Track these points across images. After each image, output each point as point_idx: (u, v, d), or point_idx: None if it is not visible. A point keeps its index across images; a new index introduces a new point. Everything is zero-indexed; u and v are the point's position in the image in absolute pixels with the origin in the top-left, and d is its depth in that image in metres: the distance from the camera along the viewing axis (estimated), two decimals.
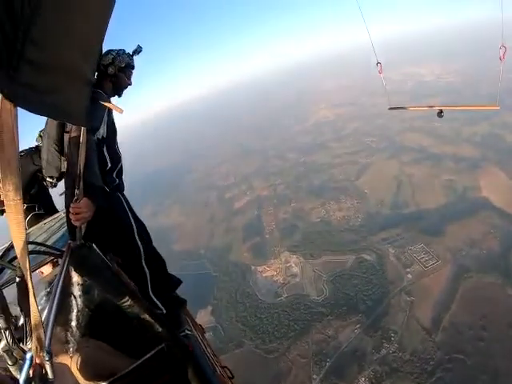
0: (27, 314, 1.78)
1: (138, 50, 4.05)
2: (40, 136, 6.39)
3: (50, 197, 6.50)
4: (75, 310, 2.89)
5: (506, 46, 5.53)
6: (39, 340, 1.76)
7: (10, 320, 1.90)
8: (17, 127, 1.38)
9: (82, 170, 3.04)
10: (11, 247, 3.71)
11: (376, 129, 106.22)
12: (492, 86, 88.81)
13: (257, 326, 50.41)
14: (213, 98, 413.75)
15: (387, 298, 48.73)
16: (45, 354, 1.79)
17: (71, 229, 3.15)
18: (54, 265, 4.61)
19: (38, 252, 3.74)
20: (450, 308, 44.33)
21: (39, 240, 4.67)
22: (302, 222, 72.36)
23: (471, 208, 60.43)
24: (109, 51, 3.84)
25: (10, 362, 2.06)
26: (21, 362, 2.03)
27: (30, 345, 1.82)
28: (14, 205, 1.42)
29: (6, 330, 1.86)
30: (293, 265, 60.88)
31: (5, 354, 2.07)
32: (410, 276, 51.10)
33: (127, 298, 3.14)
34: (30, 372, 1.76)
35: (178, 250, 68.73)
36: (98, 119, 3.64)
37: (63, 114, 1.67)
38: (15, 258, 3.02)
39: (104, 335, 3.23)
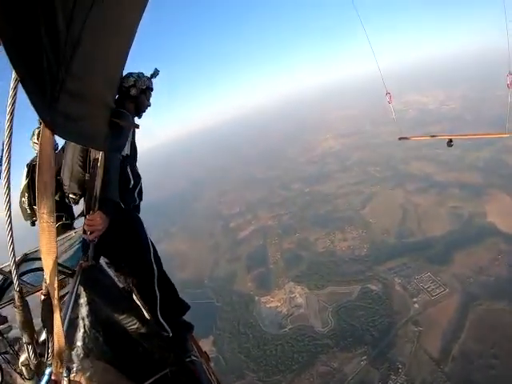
0: (50, 331, 1.86)
1: (155, 74, 4.25)
2: (34, 143, 6.45)
3: (71, 206, 6.52)
4: (82, 331, 2.88)
5: None
6: (60, 357, 1.82)
7: (34, 336, 1.95)
8: (54, 154, 1.56)
9: (98, 191, 3.19)
10: (20, 263, 3.78)
11: (380, 158, 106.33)
12: (493, 111, 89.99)
13: (260, 358, 49.10)
14: (218, 129, 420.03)
15: (394, 328, 47.53)
16: (64, 371, 1.87)
17: (85, 248, 3.33)
18: (62, 284, 4.68)
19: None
20: (459, 337, 43.13)
21: None
22: (306, 252, 71.52)
23: (478, 234, 59.68)
24: (130, 74, 4.04)
25: (27, 376, 2.27)
26: (36, 378, 2.24)
27: (50, 360, 1.92)
28: (47, 227, 1.56)
29: (29, 344, 1.93)
30: (297, 295, 59.88)
31: (23, 368, 2.28)
32: (417, 306, 50.00)
33: (135, 320, 3.22)
34: None
35: (181, 278, 67.53)
36: (124, 137, 3.75)
37: (87, 139, 1.80)
38: (25, 273, 3.34)
39: (108, 357, 3.16)
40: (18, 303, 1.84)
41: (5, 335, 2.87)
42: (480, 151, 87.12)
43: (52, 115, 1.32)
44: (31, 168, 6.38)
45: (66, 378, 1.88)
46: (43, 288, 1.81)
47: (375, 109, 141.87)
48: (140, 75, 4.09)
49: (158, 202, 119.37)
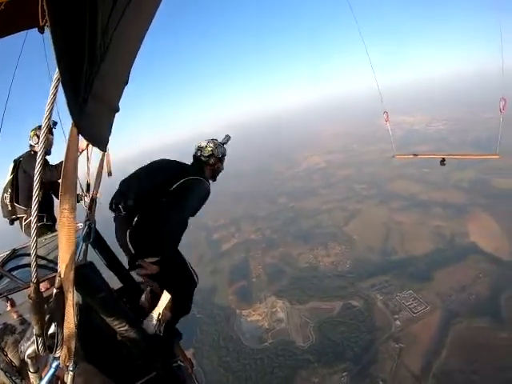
0: (60, 324, 1.87)
1: (227, 140, 4.82)
2: (36, 135, 6.26)
3: (53, 207, 6.45)
4: None
5: (505, 99, 5.62)
6: (69, 350, 1.86)
7: (44, 328, 1.93)
8: (77, 156, 1.64)
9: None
10: (10, 258, 3.76)
11: (366, 176, 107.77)
12: (476, 133, 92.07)
13: (239, 372, 48.36)
14: None
15: (375, 345, 47.50)
16: (71, 364, 1.91)
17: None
18: (52, 282, 4.51)
19: (40, 266, 3.55)
20: (440, 354, 43.16)
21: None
22: (289, 267, 71.40)
23: (460, 253, 60.47)
24: (207, 143, 4.58)
25: (31, 370, 2.32)
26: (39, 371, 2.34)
27: (58, 354, 1.91)
28: (68, 222, 1.62)
29: (39, 336, 1.90)
30: (279, 310, 59.49)
31: (29, 361, 2.32)
32: (398, 322, 50.08)
33: (124, 322, 3.15)
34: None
35: None
36: (199, 201, 4.57)
37: (96, 140, 1.80)
38: (16, 268, 3.33)
39: (94, 359, 3.13)
40: (33, 295, 1.80)
41: None
42: (465, 171, 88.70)
43: (80, 117, 1.36)
44: (18, 164, 6.28)
45: (71, 373, 1.92)
46: (56, 281, 1.84)
47: (362, 127, 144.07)
48: (216, 145, 4.58)
49: None
